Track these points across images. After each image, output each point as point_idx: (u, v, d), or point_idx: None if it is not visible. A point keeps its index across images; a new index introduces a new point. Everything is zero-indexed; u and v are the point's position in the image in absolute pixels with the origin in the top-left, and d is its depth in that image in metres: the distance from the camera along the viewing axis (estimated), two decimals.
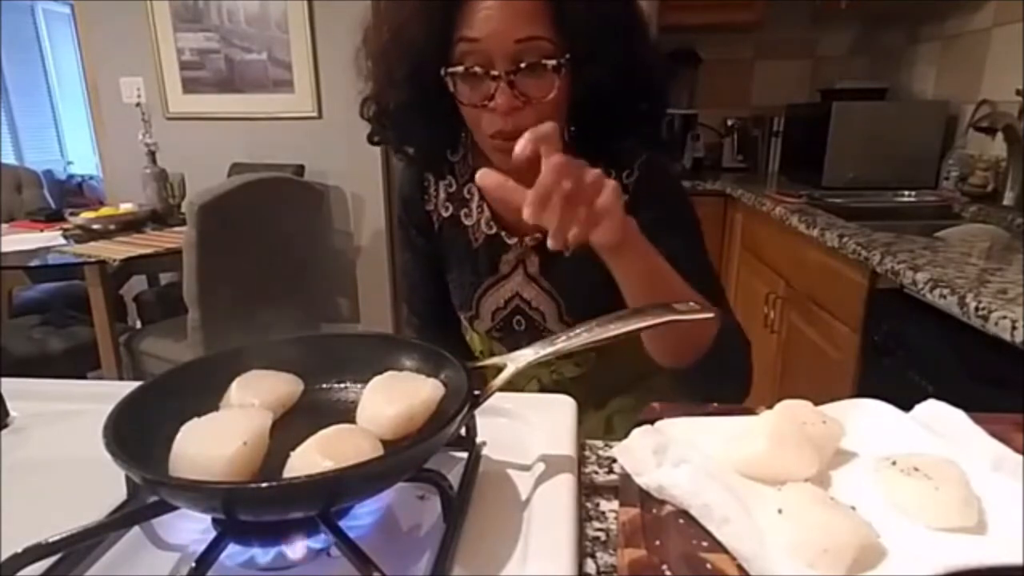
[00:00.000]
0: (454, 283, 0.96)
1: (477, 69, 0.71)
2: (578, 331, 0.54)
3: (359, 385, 0.56)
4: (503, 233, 0.88)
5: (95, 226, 2.27)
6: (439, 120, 0.81)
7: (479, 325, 0.96)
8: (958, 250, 1.33)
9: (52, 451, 0.62)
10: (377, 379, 0.54)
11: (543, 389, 0.96)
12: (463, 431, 0.55)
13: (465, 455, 0.56)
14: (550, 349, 0.54)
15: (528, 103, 0.72)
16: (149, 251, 2.06)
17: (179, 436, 0.46)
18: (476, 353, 1.02)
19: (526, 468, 0.56)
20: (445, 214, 0.92)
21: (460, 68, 0.72)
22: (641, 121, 0.82)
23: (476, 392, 0.51)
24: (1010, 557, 0.37)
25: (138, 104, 2.67)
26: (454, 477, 0.51)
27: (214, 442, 0.45)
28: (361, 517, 0.48)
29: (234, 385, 0.54)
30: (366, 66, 0.82)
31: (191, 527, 0.47)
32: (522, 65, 0.70)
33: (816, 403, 0.53)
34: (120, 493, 0.49)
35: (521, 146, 0.56)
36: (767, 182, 2.62)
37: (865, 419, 0.53)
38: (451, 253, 0.94)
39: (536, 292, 0.89)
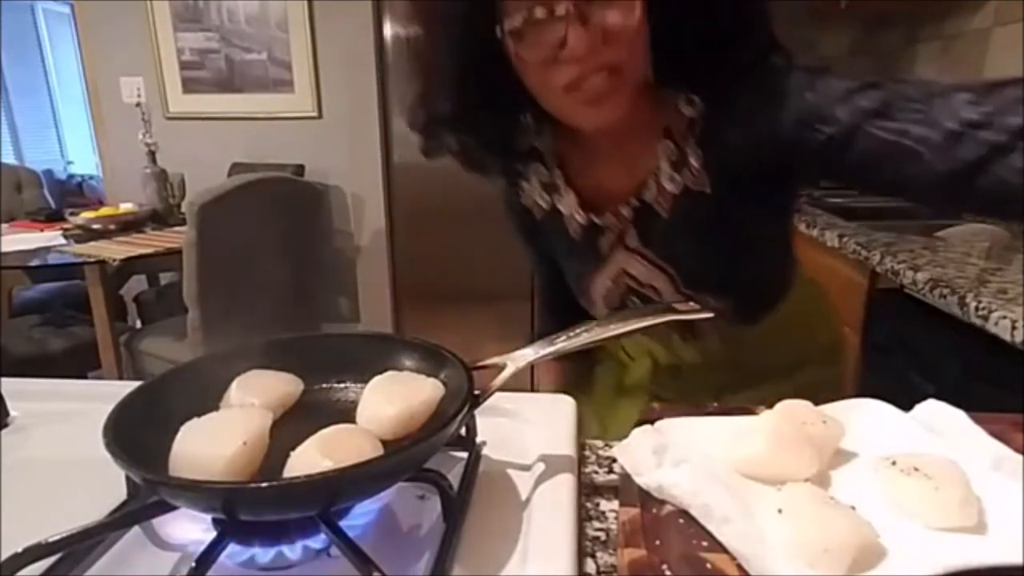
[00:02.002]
0: (567, 276, 0.88)
1: (539, 12, 0.59)
2: (578, 331, 0.54)
3: (359, 385, 0.56)
4: (594, 216, 0.77)
5: (95, 226, 2.27)
6: (500, 104, 0.71)
7: (597, 314, 0.86)
8: (958, 250, 1.33)
9: (52, 451, 0.62)
10: (377, 379, 0.54)
11: (656, 367, 0.87)
12: (463, 431, 0.55)
13: (465, 455, 0.56)
14: (550, 349, 0.54)
15: (607, 38, 0.60)
16: (149, 251, 2.06)
17: (179, 436, 0.46)
18: (618, 354, 0.93)
19: (526, 468, 0.56)
20: (544, 205, 0.82)
21: (518, 20, 0.60)
22: (741, 33, 0.65)
23: (476, 392, 0.51)
24: (1010, 557, 0.37)
25: (138, 104, 2.67)
26: (454, 477, 0.51)
27: (214, 442, 0.45)
28: (361, 517, 0.48)
29: (234, 385, 0.54)
30: (407, 63, 0.72)
31: (191, 527, 0.47)
32: None
33: (816, 403, 0.53)
34: (120, 493, 0.49)
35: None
36: None
37: (865, 419, 0.53)
38: (557, 244, 0.85)
39: (642, 266, 0.78)
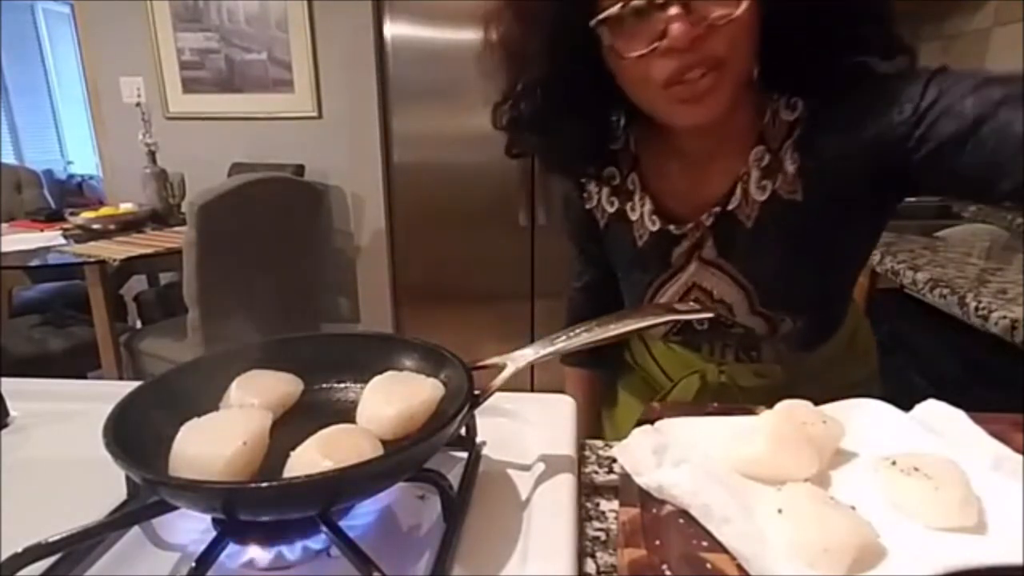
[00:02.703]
0: (624, 285, 0.84)
1: (638, 1, 0.56)
2: (578, 331, 0.54)
3: (359, 385, 0.56)
4: (671, 226, 0.73)
5: (95, 226, 2.27)
6: (590, 102, 0.69)
7: (655, 330, 0.81)
8: (958, 250, 1.34)
9: (52, 451, 0.62)
10: (377, 379, 0.54)
11: (704, 386, 0.79)
12: (463, 431, 0.55)
13: (465, 455, 0.56)
14: (550, 349, 0.54)
15: (712, 29, 0.56)
16: (149, 251, 2.06)
17: (179, 436, 0.46)
18: (652, 372, 0.86)
19: (526, 468, 0.56)
20: (611, 210, 0.78)
21: (615, 8, 0.58)
22: (861, 32, 0.61)
23: (476, 392, 0.51)
24: (1010, 557, 0.37)
25: (138, 104, 2.67)
26: (454, 477, 0.51)
27: (214, 442, 0.45)
28: (361, 517, 0.48)
29: (234, 385, 0.54)
30: (493, 61, 0.68)
31: (191, 527, 0.47)
32: None
33: (816, 403, 0.53)
34: (120, 493, 0.49)
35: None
36: None
37: (865, 419, 0.53)
38: (618, 252, 0.81)
39: (717, 280, 0.72)
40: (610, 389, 0.95)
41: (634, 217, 0.76)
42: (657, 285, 0.77)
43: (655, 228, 0.74)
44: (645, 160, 0.75)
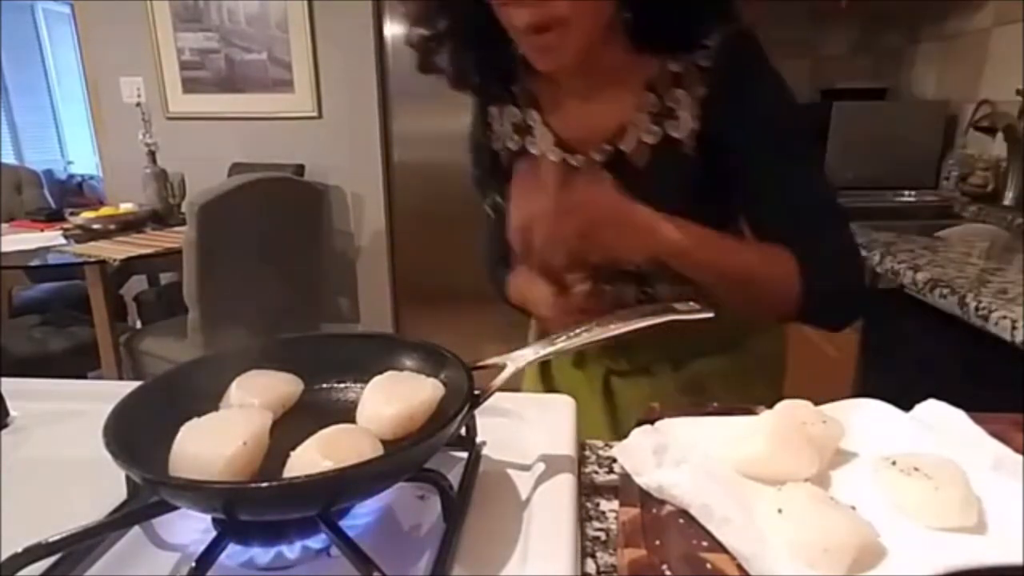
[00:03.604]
0: None
1: None
2: (578, 331, 0.54)
3: (359, 385, 0.56)
4: (567, 156, 0.79)
5: (95, 226, 2.27)
6: (487, 37, 0.74)
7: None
8: (958, 250, 1.33)
9: (52, 451, 0.62)
10: (377, 379, 0.54)
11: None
12: (463, 431, 0.55)
13: (465, 455, 0.56)
14: (550, 348, 0.54)
15: None
16: (149, 251, 2.06)
17: (179, 436, 0.46)
18: None
19: (526, 468, 0.56)
20: (514, 148, 0.85)
21: None
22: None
23: (476, 392, 0.51)
24: (1010, 557, 0.37)
25: (138, 104, 2.67)
26: (454, 477, 0.51)
27: (214, 442, 0.45)
28: (361, 517, 0.48)
29: (234, 385, 0.54)
30: None
31: (191, 527, 0.47)
32: None
33: (816, 403, 0.53)
34: (120, 493, 0.49)
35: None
36: None
37: (865, 419, 0.53)
38: None
39: None
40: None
41: (536, 152, 0.82)
42: None
43: (556, 160, 0.80)
44: (542, 97, 0.81)
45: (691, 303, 0.57)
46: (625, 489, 0.47)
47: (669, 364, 0.87)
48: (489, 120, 0.87)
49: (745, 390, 0.86)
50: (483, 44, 0.76)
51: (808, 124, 0.71)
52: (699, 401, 0.80)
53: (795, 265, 0.66)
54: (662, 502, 0.45)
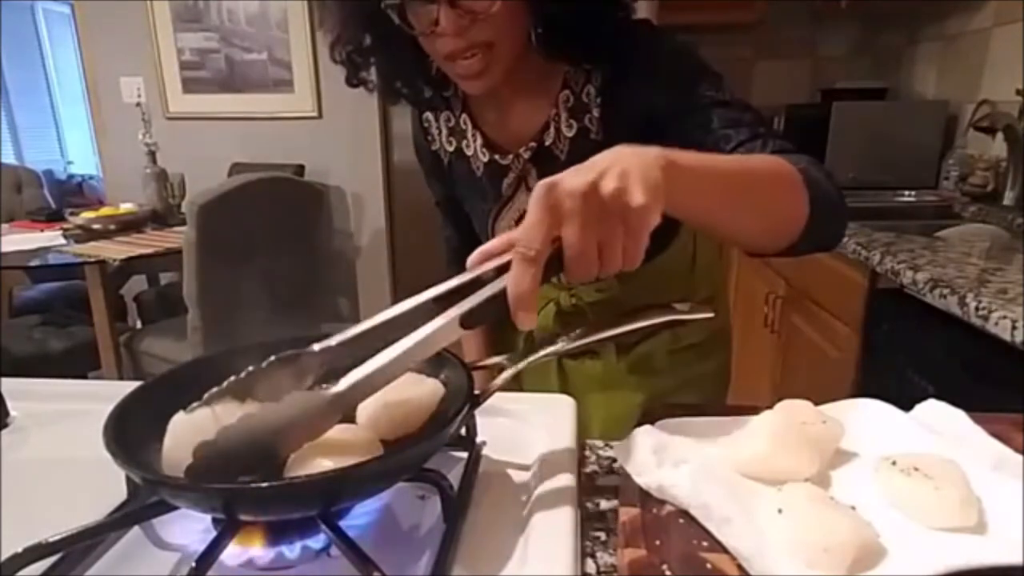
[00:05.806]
0: (472, 216, 0.97)
1: None
2: (577, 331, 0.55)
3: None
4: (497, 156, 0.85)
5: (95, 226, 2.27)
6: (408, 55, 0.78)
7: None
8: (958, 250, 1.33)
9: (52, 451, 0.62)
10: None
11: (560, 313, 0.94)
12: (463, 431, 0.55)
13: (465, 455, 0.56)
14: (550, 349, 0.54)
15: (476, 19, 0.66)
16: (149, 251, 2.06)
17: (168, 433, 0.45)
18: None
19: (526, 468, 0.56)
20: (450, 148, 0.91)
21: None
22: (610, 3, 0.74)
23: (476, 392, 0.51)
24: (1010, 557, 0.37)
25: (138, 104, 2.67)
26: (454, 477, 0.51)
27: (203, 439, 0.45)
28: (361, 517, 0.48)
29: None
30: (324, 15, 0.81)
31: (191, 527, 0.47)
32: None
33: (816, 403, 0.53)
34: (120, 493, 0.49)
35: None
36: None
37: (865, 419, 0.53)
38: (462, 185, 0.94)
39: None
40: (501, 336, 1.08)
41: (469, 152, 0.88)
42: (495, 212, 0.90)
43: (486, 159, 0.86)
44: (472, 102, 0.87)
45: (690, 303, 0.57)
46: (625, 489, 0.47)
47: (614, 346, 0.93)
48: (426, 125, 0.93)
49: (693, 363, 0.94)
50: (410, 58, 0.79)
51: (715, 76, 0.74)
52: (649, 380, 0.92)
53: (783, 160, 0.62)
54: (662, 502, 0.45)
